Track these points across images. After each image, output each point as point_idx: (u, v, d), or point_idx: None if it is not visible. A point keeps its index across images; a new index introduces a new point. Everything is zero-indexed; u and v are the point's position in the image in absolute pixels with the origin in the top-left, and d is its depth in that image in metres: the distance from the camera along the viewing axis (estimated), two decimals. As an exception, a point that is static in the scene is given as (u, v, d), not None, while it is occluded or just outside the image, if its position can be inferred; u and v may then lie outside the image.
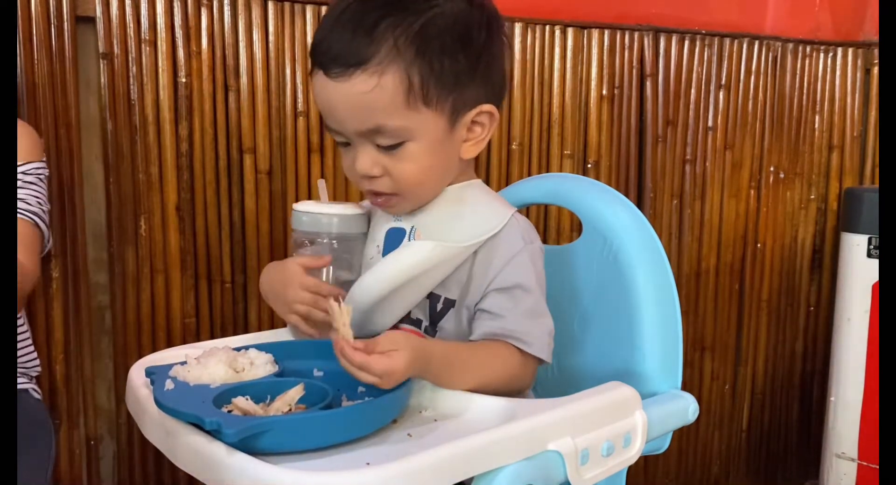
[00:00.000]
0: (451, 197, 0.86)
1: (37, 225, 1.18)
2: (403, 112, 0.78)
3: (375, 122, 0.79)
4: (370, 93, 0.77)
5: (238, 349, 0.82)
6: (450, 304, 0.84)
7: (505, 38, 0.85)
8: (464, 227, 0.83)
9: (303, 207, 0.87)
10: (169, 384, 0.73)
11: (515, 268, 0.82)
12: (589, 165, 1.85)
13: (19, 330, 1.24)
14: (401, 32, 0.77)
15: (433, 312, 0.85)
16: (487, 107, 0.83)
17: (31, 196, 1.19)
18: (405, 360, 0.73)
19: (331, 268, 0.87)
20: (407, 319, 0.87)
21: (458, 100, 0.81)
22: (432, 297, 0.85)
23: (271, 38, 1.53)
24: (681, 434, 2.02)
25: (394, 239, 0.86)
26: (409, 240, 0.85)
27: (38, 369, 1.29)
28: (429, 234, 0.84)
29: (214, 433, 0.65)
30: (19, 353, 1.23)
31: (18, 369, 1.22)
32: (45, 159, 1.26)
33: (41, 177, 1.22)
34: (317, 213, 0.86)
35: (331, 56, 0.78)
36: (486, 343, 0.82)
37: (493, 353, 0.81)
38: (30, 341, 1.28)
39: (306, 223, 0.87)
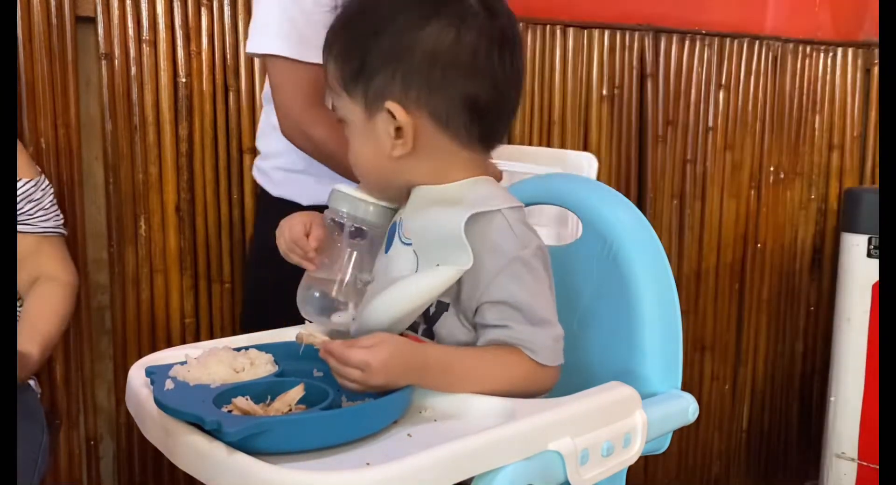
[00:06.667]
0: (440, 192, 0.84)
1: (63, 234, 1.34)
2: (333, 93, 0.85)
3: (330, 98, 0.89)
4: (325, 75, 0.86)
5: (238, 349, 0.82)
6: (443, 307, 0.83)
7: (456, 48, 0.79)
8: (440, 222, 0.80)
9: (342, 188, 0.89)
10: (169, 384, 0.73)
11: (504, 282, 0.79)
12: (589, 165, 1.85)
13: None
14: (336, 19, 0.83)
15: (427, 316, 0.84)
16: (390, 104, 0.79)
17: (44, 209, 1.31)
18: (384, 353, 0.73)
19: (354, 252, 0.88)
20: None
21: (367, 88, 0.81)
22: None
23: (271, 38, 1.53)
24: (681, 434, 2.02)
25: (391, 232, 0.87)
26: (398, 232, 0.85)
27: None
28: (412, 225, 0.84)
29: (214, 433, 0.65)
30: None
31: None
32: (40, 172, 1.34)
33: (44, 188, 1.33)
34: (354, 196, 0.88)
35: None
36: (493, 349, 0.80)
37: (500, 359, 0.79)
38: None
39: (341, 203, 0.88)
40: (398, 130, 0.81)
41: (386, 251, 0.87)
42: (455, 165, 0.84)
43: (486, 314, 0.80)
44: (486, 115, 0.82)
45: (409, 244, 0.83)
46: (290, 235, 0.88)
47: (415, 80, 0.79)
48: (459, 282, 0.81)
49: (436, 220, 0.81)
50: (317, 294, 0.88)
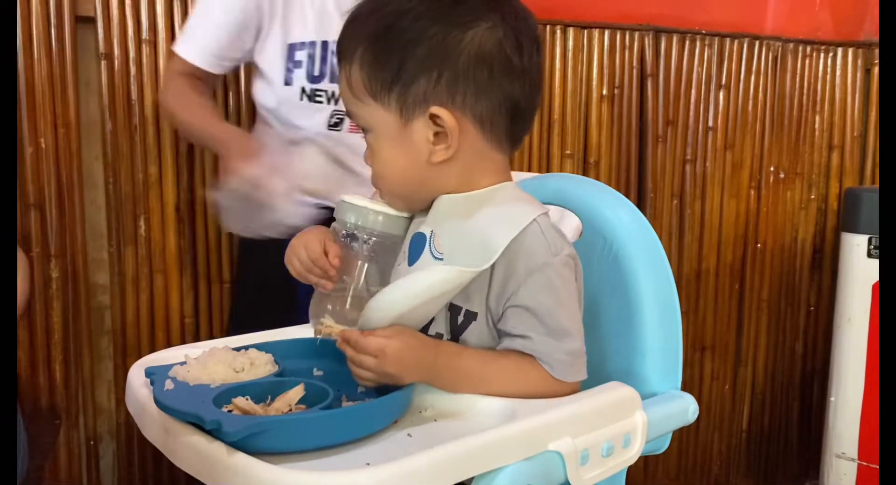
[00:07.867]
0: (470, 201, 0.83)
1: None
2: (356, 102, 0.82)
3: (347, 107, 0.85)
4: (341, 83, 0.84)
5: (238, 349, 0.82)
6: (471, 316, 0.82)
7: (500, 49, 0.80)
8: (480, 239, 0.79)
9: (350, 198, 0.87)
10: (169, 384, 0.73)
11: (534, 286, 0.78)
12: (589, 165, 1.85)
13: None
14: (360, 28, 0.81)
15: (454, 325, 0.82)
16: (436, 109, 0.79)
17: None
18: (400, 342, 0.74)
19: (366, 264, 0.87)
20: (426, 334, 0.84)
21: (404, 95, 0.79)
22: (453, 309, 0.82)
23: (271, 38, 1.53)
24: (681, 434, 2.02)
25: (417, 244, 0.85)
26: (429, 246, 0.83)
27: None
28: (447, 240, 0.81)
29: (214, 433, 0.65)
30: None
31: None
32: None
33: None
34: (363, 207, 0.86)
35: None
36: (510, 354, 0.79)
37: (515, 365, 0.78)
38: None
39: (349, 214, 0.86)
40: (437, 135, 0.80)
41: (410, 263, 0.84)
42: (485, 168, 0.84)
43: (508, 321, 0.79)
44: (523, 115, 0.84)
45: (441, 259, 0.81)
46: (308, 254, 0.85)
47: (461, 82, 0.79)
48: (490, 286, 0.80)
49: (473, 237, 0.80)
50: (330, 307, 0.87)
